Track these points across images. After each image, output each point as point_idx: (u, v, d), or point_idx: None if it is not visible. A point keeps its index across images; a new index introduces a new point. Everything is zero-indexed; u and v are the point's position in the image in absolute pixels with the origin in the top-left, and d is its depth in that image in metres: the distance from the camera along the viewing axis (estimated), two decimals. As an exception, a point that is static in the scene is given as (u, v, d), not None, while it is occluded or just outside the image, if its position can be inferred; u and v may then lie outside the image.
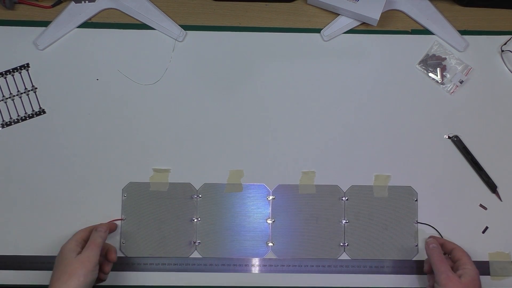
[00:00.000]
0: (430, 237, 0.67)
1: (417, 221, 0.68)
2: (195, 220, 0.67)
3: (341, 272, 0.67)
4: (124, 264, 0.66)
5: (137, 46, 0.73)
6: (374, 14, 0.72)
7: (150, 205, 0.68)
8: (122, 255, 0.67)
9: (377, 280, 0.67)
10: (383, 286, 0.67)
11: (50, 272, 0.66)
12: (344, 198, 0.68)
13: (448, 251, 0.64)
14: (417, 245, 0.67)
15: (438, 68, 0.73)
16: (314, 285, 0.67)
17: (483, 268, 0.67)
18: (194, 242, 0.67)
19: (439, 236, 0.68)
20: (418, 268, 0.67)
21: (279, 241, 0.67)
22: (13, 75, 0.72)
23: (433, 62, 0.73)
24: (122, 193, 0.68)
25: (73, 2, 0.73)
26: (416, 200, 0.68)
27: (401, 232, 0.68)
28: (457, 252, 0.63)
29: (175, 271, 0.67)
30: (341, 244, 0.67)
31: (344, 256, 0.67)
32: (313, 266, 0.67)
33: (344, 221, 0.68)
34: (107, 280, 0.66)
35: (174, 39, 0.73)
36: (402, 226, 0.68)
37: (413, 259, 0.67)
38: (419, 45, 0.74)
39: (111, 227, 0.66)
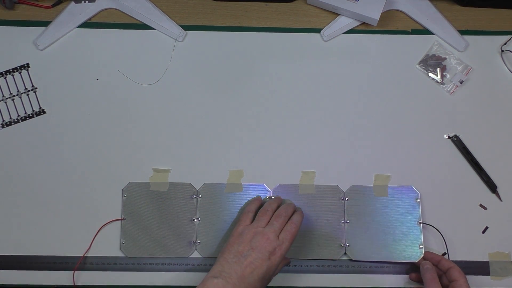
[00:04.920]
0: (426, 253, 0.66)
1: (420, 221, 0.67)
2: (195, 220, 0.67)
3: (341, 272, 0.67)
4: (124, 264, 0.66)
5: (137, 46, 0.73)
6: (374, 14, 0.72)
7: (150, 205, 0.68)
8: (122, 255, 0.67)
9: (377, 280, 0.67)
10: (384, 286, 0.67)
11: (50, 272, 0.66)
12: (344, 198, 0.68)
13: (445, 270, 0.62)
14: (421, 247, 0.66)
15: (438, 68, 0.73)
16: (314, 285, 0.67)
17: (483, 268, 0.67)
18: (194, 242, 0.67)
19: (441, 237, 0.67)
20: (419, 267, 0.67)
21: (279, 241, 0.67)
22: (13, 75, 0.72)
23: (433, 62, 0.73)
24: (122, 193, 0.68)
25: (73, 2, 0.73)
26: (418, 200, 0.68)
27: (404, 233, 0.67)
28: (454, 272, 0.61)
29: (175, 271, 0.67)
30: (342, 244, 0.67)
31: (345, 257, 0.67)
32: (313, 266, 0.67)
33: (345, 221, 0.67)
34: (107, 280, 0.66)
35: (174, 39, 0.73)
36: (404, 227, 0.67)
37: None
38: (419, 45, 0.74)
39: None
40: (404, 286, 0.67)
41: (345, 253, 0.66)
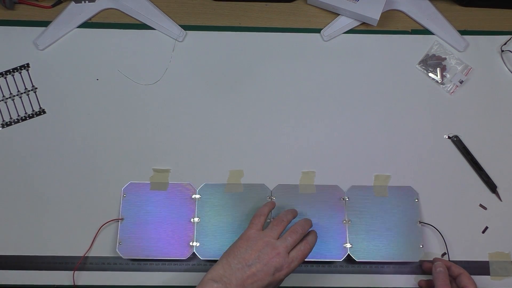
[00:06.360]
0: (437, 259, 0.65)
1: (420, 221, 0.67)
2: (194, 220, 0.67)
3: (341, 272, 0.67)
4: (124, 264, 0.66)
5: (137, 46, 0.73)
6: (374, 14, 0.72)
7: (149, 205, 0.67)
8: (119, 256, 0.66)
9: (378, 280, 0.67)
10: (385, 287, 0.67)
11: (50, 272, 0.66)
12: (344, 198, 0.68)
13: (455, 276, 0.62)
14: (422, 246, 0.66)
15: (438, 68, 0.73)
16: (314, 285, 0.67)
17: (483, 268, 0.67)
18: (192, 244, 0.66)
19: (441, 237, 0.67)
20: (420, 268, 0.67)
21: (279, 241, 0.67)
22: (13, 75, 0.72)
23: (433, 62, 0.74)
24: (122, 193, 0.68)
25: (73, 2, 0.73)
26: (417, 200, 0.68)
27: (405, 233, 0.66)
28: (464, 278, 0.61)
29: (175, 271, 0.67)
30: (345, 245, 0.66)
31: (349, 258, 0.66)
32: (313, 266, 0.67)
33: (346, 221, 0.67)
34: (107, 280, 0.66)
35: (174, 39, 0.73)
36: (405, 227, 0.66)
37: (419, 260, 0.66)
38: (419, 45, 0.74)
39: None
40: (406, 286, 0.67)
41: (348, 254, 0.66)
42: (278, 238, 0.58)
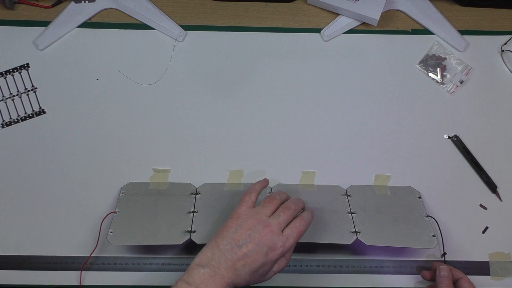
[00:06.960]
0: (437, 264, 0.64)
1: (426, 214, 0.66)
2: (192, 212, 0.65)
3: (341, 272, 0.67)
4: (124, 264, 0.66)
5: (137, 46, 0.73)
6: (374, 14, 0.72)
7: (147, 202, 0.66)
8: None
9: (378, 280, 0.67)
10: (385, 287, 0.67)
11: (50, 272, 0.66)
12: (346, 194, 0.67)
13: (454, 280, 0.61)
14: (434, 235, 0.63)
15: (438, 68, 0.73)
16: (314, 285, 0.67)
17: (483, 268, 0.67)
18: (189, 231, 0.62)
19: (439, 234, 0.67)
20: (420, 268, 0.66)
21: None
22: (13, 75, 0.72)
23: (433, 62, 0.74)
24: (120, 191, 0.67)
25: (73, 2, 0.73)
26: (420, 197, 0.67)
27: (414, 224, 0.64)
28: (464, 282, 0.60)
29: (174, 271, 0.66)
30: (352, 231, 0.63)
31: (358, 242, 0.63)
32: (313, 266, 0.67)
33: (351, 212, 0.65)
34: (108, 280, 0.66)
35: (174, 39, 0.73)
36: (413, 218, 0.65)
37: (430, 253, 0.65)
38: (419, 45, 0.74)
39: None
40: (407, 286, 0.67)
41: (357, 238, 0.62)
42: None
